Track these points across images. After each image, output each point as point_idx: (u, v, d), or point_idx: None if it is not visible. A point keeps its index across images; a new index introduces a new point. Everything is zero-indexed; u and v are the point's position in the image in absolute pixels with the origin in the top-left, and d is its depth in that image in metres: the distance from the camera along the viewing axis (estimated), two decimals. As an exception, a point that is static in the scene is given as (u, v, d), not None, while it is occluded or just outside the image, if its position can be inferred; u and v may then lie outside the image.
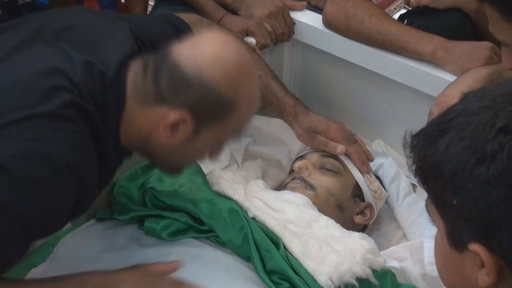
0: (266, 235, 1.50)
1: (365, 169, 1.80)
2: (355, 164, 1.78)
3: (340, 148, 1.77)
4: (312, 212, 1.63)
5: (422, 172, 0.88)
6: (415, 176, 0.90)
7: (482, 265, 0.82)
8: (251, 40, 1.97)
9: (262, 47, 1.98)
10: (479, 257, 0.82)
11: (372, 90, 2.06)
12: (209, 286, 1.42)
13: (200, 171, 1.68)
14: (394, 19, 1.95)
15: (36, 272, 1.56)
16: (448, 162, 0.83)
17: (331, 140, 1.78)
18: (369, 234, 1.73)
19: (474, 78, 1.70)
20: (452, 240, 0.86)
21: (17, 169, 1.16)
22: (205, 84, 1.28)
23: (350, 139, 1.81)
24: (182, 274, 1.44)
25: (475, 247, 0.82)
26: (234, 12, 2.07)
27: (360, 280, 1.47)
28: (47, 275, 1.51)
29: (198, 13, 2.11)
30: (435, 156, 0.84)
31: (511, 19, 1.23)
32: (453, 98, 1.65)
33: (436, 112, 1.70)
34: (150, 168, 1.71)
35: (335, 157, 1.79)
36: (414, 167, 0.90)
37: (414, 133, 0.91)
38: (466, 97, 0.87)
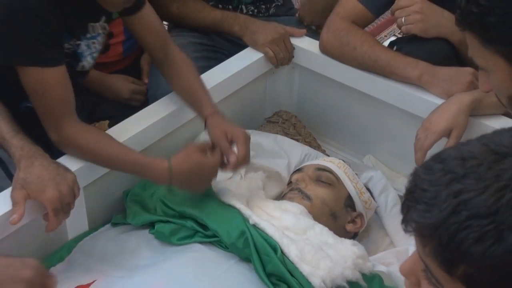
0: (265, 240, 1.50)
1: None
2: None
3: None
4: (308, 220, 1.63)
5: (461, 262, 0.77)
6: (440, 259, 0.78)
7: None
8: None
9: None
10: None
11: (364, 110, 2.06)
12: (212, 286, 1.43)
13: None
14: (384, 46, 1.95)
15: (54, 271, 1.55)
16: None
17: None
18: (359, 241, 1.73)
19: (457, 106, 1.71)
20: None
21: None
22: None
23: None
24: (186, 273, 1.45)
25: None
26: (239, 38, 2.07)
27: (350, 283, 1.48)
28: (65, 273, 1.55)
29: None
30: (503, 257, 0.75)
31: (489, 46, 1.24)
32: (438, 124, 1.66)
33: (422, 137, 1.71)
34: None
35: (329, 170, 1.79)
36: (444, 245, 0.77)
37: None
38: None
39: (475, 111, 1.74)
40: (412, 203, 0.80)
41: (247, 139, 1.64)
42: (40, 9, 1.46)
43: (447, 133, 1.70)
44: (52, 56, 1.52)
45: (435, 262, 0.79)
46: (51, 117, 1.55)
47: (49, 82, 1.51)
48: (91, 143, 1.57)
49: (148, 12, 1.73)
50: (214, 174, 1.61)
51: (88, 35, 1.68)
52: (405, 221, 0.82)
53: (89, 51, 1.70)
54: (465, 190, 0.76)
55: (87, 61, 1.71)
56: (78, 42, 1.66)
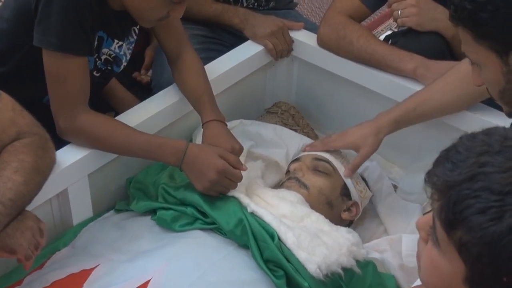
0: (263, 228, 1.50)
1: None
2: None
3: None
4: (305, 208, 1.63)
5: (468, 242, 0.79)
6: (444, 223, 0.81)
7: None
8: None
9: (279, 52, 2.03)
10: None
11: (360, 101, 2.05)
12: (211, 271, 1.43)
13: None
14: (379, 40, 1.95)
15: (59, 255, 1.58)
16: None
17: None
18: (354, 229, 1.73)
19: (373, 128, 1.74)
20: (471, 284, 0.81)
21: None
22: None
23: None
24: (186, 258, 1.46)
25: None
26: (240, 31, 2.06)
27: (345, 269, 1.48)
28: (70, 258, 1.56)
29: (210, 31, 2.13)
30: (497, 236, 0.77)
31: (481, 42, 1.24)
32: (349, 137, 1.76)
33: (335, 138, 1.79)
34: (163, 167, 1.71)
35: (326, 160, 1.78)
36: (445, 212, 0.80)
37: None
38: None
39: (408, 123, 1.75)
40: (443, 160, 0.84)
41: (229, 156, 1.58)
42: (82, 2, 1.50)
43: (354, 148, 1.77)
44: (80, 46, 1.54)
45: (439, 219, 0.81)
46: (67, 104, 1.55)
47: (73, 70, 1.53)
48: (106, 128, 1.57)
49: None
50: (219, 181, 1.55)
51: (131, 39, 1.73)
52: (429, 173, 0.85)
53: (128, 53, 1.73)
54: (490, 163, 0.79)
55: (126, 62, 1.74)
56: (121, 43, 1.69)
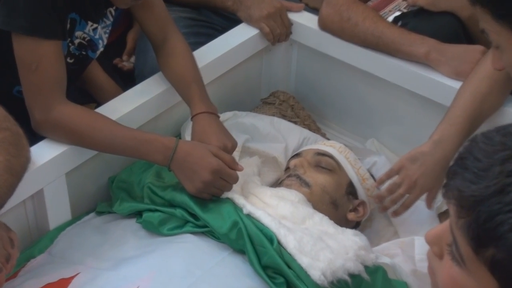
0: (261, 231, 1.49)
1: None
2: None
3: None
4: (307, 209, 1.62)
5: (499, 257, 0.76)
6: (473, 238, 0.78)
7: None
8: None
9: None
10: None
11: (366, 90, 2.05)
12: (204, 279, 1.43)
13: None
14: (388, 21, 1.95)
15: (35, 263, 1.57)
16: None
17: None
18: (362, 231, 1.72)
19: (442, 165, 1.63)
20: None
21: None
22: None
23: None
24: (176, 265, 1.45)
25: None
26: (233, 13, 2.06)
27: (352, 276, 1.47)
28: (46, 265, 1.56)
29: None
30: None
31: (502, 22, 1.22)
32: (426, 183, 1.64)
33: (407, 191, 1.66)
34: (149, 165, 1.70)
35: (330, 155, 1.78)
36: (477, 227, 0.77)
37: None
38: None
39: None
40: (461, 169, 0.80)
41: (224, 155, 1.56)
42: None
43: None
44: (52, 29, 1.52)
45: (465, 237, 0.78)
46: (41, 95, 1.53)
47: (45, 55, 1.51)
48: (86, 122, 1.55)
49: None
50: (213, 182, 1.53)
51: (107, 21, 1.72)
52: (447, 186, 0.81)
53: (104, 38, 1.73)
54: None
55: (103, 47, 1.74)
56: (96, 25, 1.68)
